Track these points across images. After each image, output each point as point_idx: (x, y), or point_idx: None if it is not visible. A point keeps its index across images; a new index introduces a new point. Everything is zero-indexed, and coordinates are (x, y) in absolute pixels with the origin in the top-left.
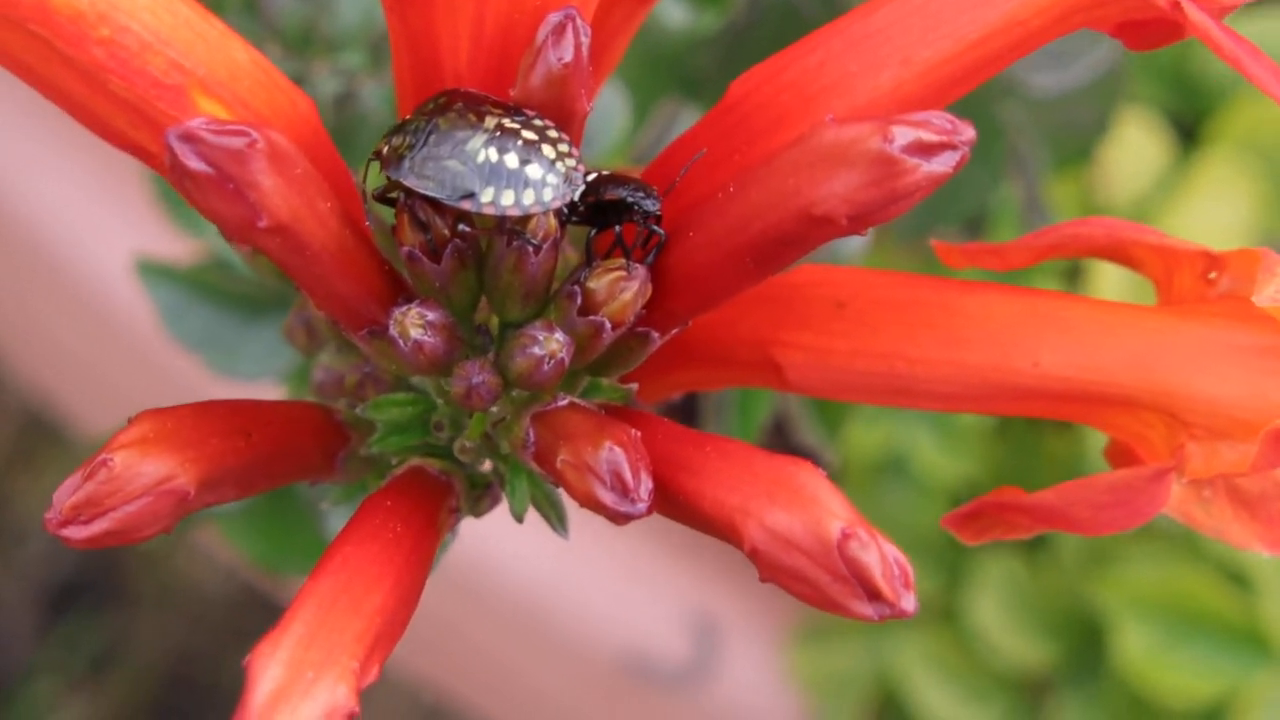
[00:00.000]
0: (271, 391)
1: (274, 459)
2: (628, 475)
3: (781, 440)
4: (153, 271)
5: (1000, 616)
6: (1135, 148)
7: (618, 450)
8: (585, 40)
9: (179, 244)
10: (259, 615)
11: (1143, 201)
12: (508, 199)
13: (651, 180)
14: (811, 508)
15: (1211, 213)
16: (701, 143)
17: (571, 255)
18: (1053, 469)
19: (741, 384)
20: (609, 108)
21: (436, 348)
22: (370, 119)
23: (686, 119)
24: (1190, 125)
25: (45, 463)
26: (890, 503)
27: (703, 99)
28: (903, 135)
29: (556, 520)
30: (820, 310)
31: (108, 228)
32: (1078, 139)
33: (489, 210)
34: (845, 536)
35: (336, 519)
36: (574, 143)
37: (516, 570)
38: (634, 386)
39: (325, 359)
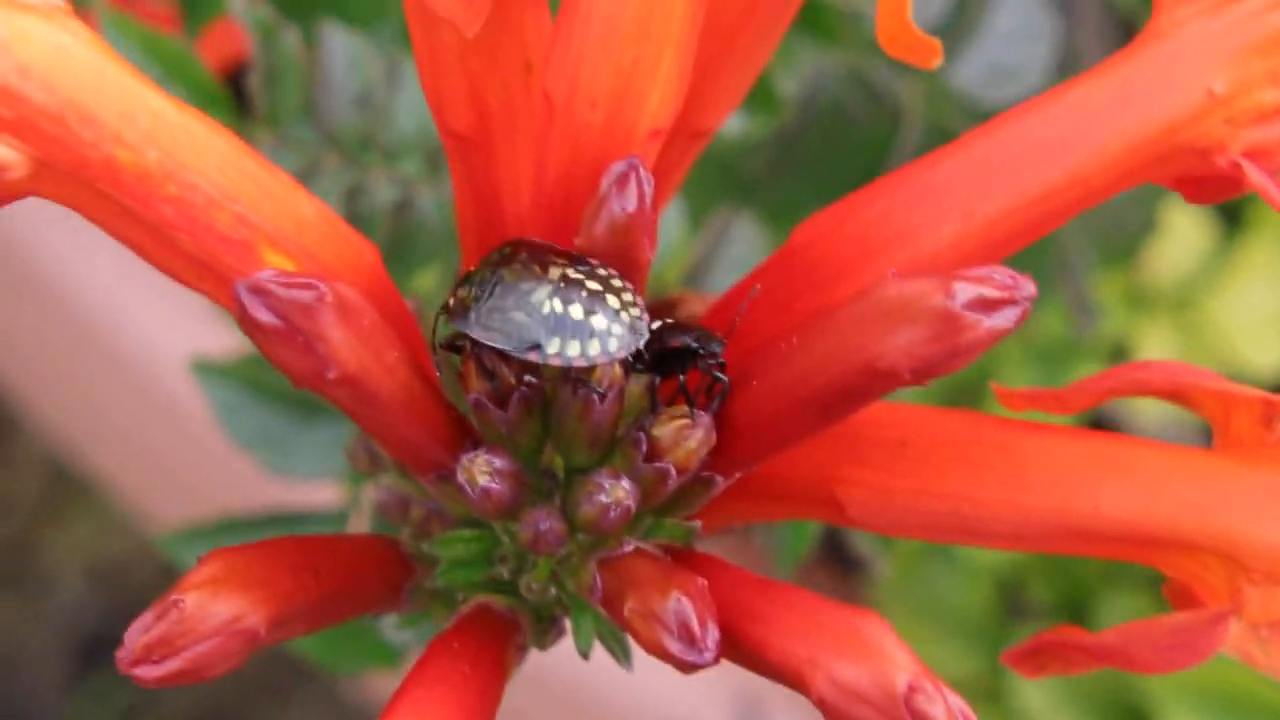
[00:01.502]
0: (326, 490)
1: (342, 594)
2: (695, 626)
3: (833, 549)
4: (208, 371)
5: (1046, 699)
6: (1179, 234)
7: (685, 600)
8: (648, 190)
9: (235, 335)
10: (289, 672)
11: (1186, 286)
12: (573, 350)
13: (713, 322)
14: (878, 660)
15: (1254, 296)
16: (764, 287)
17: (634, 389)
18: None
19: (802, 517)
20: (662, 218)
21: (503, 494)
22: (426, 226)
23: (740, 228)
24: (1233, 208)
25: (74, 513)
26: (935, 584)
27: (754, 203)
28: (965, 291)
29: (621, 653)
30: (883, 449)
31: (160, 310)
32: (1125, 239)
33: (555, 361)
34: (912, 690)
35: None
36: (638, 290)
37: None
38: (697, 525)
39: (388, 480)
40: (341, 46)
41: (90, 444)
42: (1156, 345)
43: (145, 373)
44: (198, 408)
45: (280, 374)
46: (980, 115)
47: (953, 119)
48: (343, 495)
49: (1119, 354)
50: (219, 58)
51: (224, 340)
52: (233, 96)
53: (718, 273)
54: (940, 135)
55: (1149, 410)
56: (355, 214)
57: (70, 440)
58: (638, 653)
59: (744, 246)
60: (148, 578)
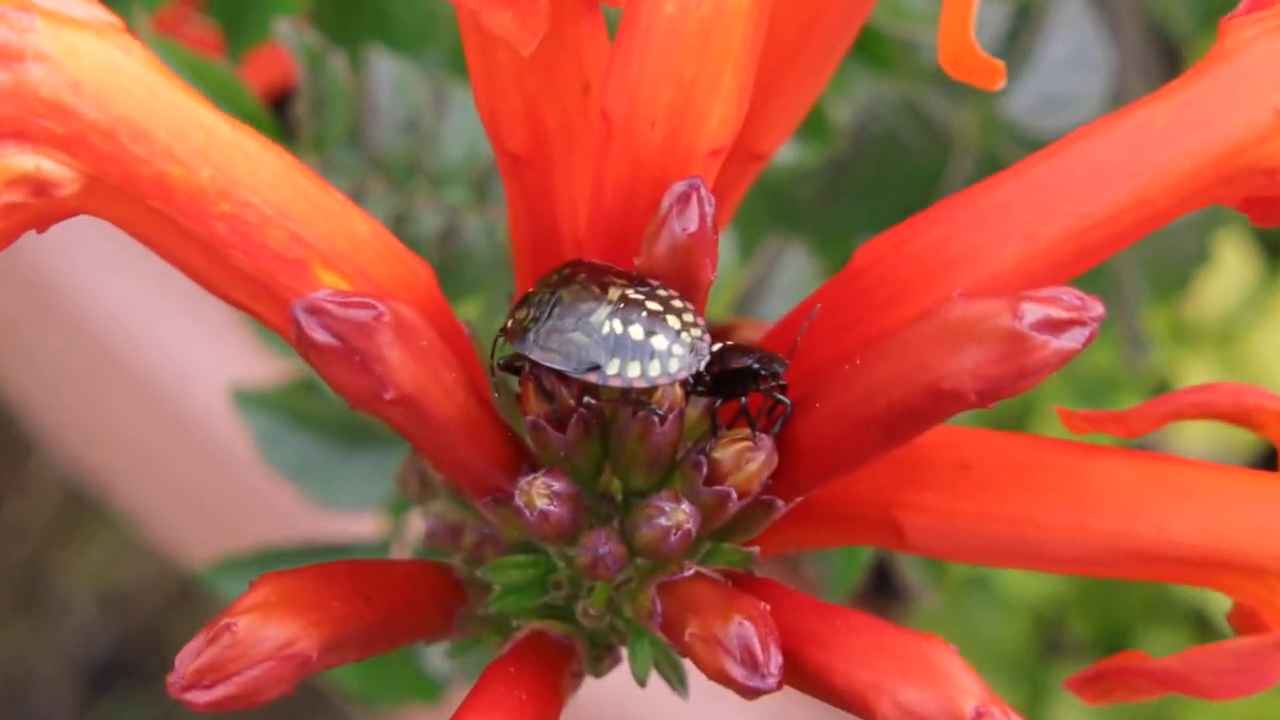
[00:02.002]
0: (367, 521)
1: (394, 620)
2: (758, 650)
3: (881, 580)
4: (249, 400)
5: None
6: (1226, 266)
7: (747, 624)
8: (710, 210)
9: (269, 362)
10: (305, 696)
11: (1230, 320)
12: (634, 371)
13: (773, 345)
14: (945, 685)
15: None
16: (824, 309)
17: (694, 411)
18: (1137, 587)
19: (860, 543)
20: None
21: (562, 517)
22: (473, 255)
23: (791, 257)
24: (1278, 241)
25: (87, 538)
26: (973, 617)
27: (805, 231)
28: (1033, 312)
29: (677, 681)
30: (945, 472)
31: (189, 334)
32: (1179, 269)
33: (615, 383)
34: (979, 715)
35: (437, 653)
36: (699, 311)
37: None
38: (756, 550)
39: (438, 507)
40: (388, 72)
41: (114, 471)
42: (1199, 379)
43: (175, 400)
44: (229, 436)
45: (330, 398)
46: (1033, 144)
47: (1005, 148)
48: (385, 526)
49: (1161, 387)
50: (263, 84)
51: (255, 365)
52: (277, 123)
53: (769, 301)
54: (992, 164)
55: (1194, 438)
56: (401, 240)
57: (92, 466)
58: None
59: (795, 275)
60: (160, 605)
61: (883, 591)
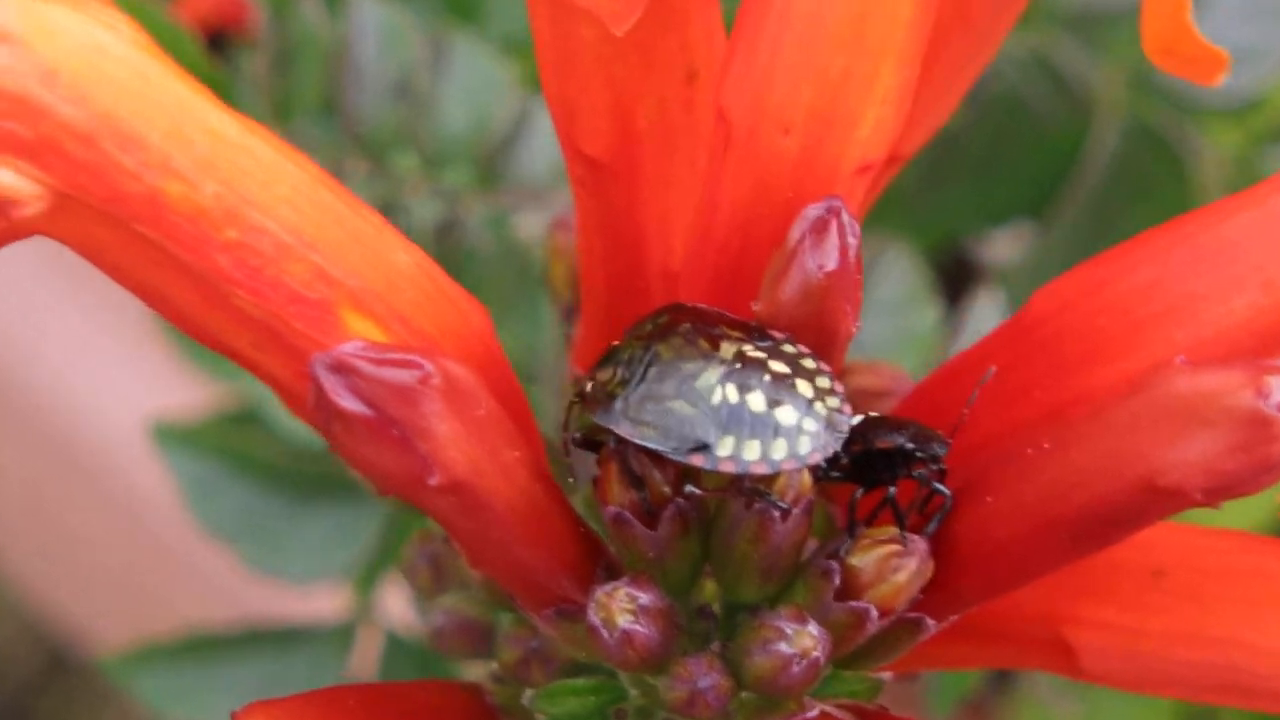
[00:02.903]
0: (331, 597)
1: None
2: None
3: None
4: (171, 436)
5: None
6: None
7: None
8: (854, 242)
9: (198, 386)
10: None
11: None
12: (752, 453)
13: (920, 412)
14: None
15: None
16: (994, 368)
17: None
18: None
19: (1015, 665)
20: None
21: (650, 640)
22: (478, 253)
23: (890, 263)
24: None
25: (72, 687)
26: (1105, 712)
27: (901, 221)
28: None
29: None
30: (1131, 579)
31: (99, 356)
32: None
33: (727, 468)
34: None
35: None
36: (836, 374)
37: None
38: (886, 677)
39: (453, 601)
40: (373, 18)
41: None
42: None
43: (72, 434)
44: (146, 483)
45: (278, 435)
46: (1199, 111)
47: (1163, 115)
48: (348, 603)
49: None
50: (192, 19)
51: (180, 390)
52: (225, 79)
53: (867, 319)
54: (1145, 135)
55: None
56: None
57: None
58: None
59: (897, 285)
60: (32, 675)
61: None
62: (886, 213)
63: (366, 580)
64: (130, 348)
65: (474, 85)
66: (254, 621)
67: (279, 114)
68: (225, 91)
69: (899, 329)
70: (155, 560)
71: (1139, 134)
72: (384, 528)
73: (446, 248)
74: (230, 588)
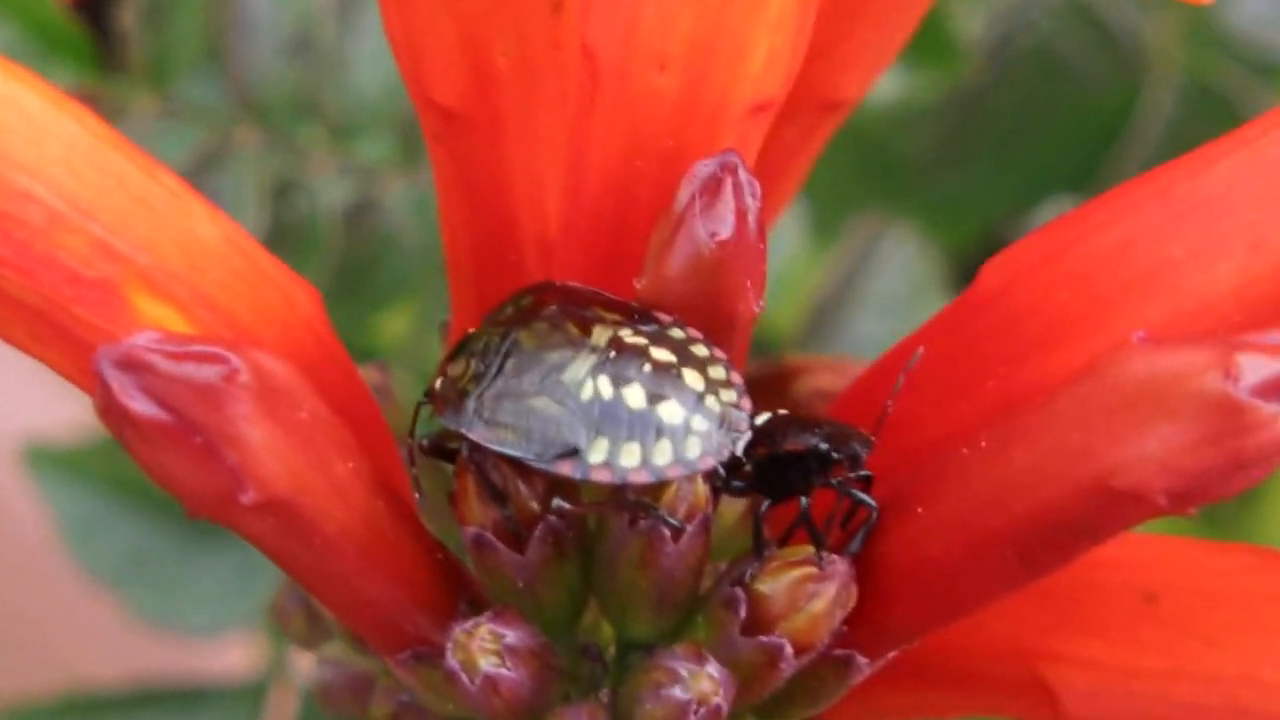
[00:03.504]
0: (239, 650)
1: None
2: None
3: None
4: (47, 460)
5: None
6: None
7: None
8: (753, 202)
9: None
10: None
11: None
12: (631, 458)
13: (854, 410)
14: None
15: None
16: (937, 354)
17: (728, 518)
18: None
19: (986, 713)
20: (773, 230)
21: (519, 685)
22: (399, 239)
23: (893, 246)
24: None
25: None
26: None
27: (914, 201)
28: (1254, 368)
29: None
30: (1119, 606)
31: None
32: None
33: (602, 476)
34: None
35: None
36: (735, 364)
37: None
38: None
39: (336, 650)
40: None
41: None
42: None
43: None
44: (17, 512)
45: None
46: (1271, 68)
47: (1226, 74)
48: (262, 657)
49: None
50: None
51: (59, 403)
52: (90, 37)
53: (858, 316)
54: (1207, 98)
55: None
56: (287, 224)
57: None
58: None
59: (898, 276)
60: None
61: None
62: (894, 191)
63: (279, 631)
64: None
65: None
66: (150, 679)
67: (153, 75)
68: (85, 48)
69: (899, 328)
70: (39, 607)
71: (1198, 95)
72: None
73: (360, 234)
74: (125, 639)
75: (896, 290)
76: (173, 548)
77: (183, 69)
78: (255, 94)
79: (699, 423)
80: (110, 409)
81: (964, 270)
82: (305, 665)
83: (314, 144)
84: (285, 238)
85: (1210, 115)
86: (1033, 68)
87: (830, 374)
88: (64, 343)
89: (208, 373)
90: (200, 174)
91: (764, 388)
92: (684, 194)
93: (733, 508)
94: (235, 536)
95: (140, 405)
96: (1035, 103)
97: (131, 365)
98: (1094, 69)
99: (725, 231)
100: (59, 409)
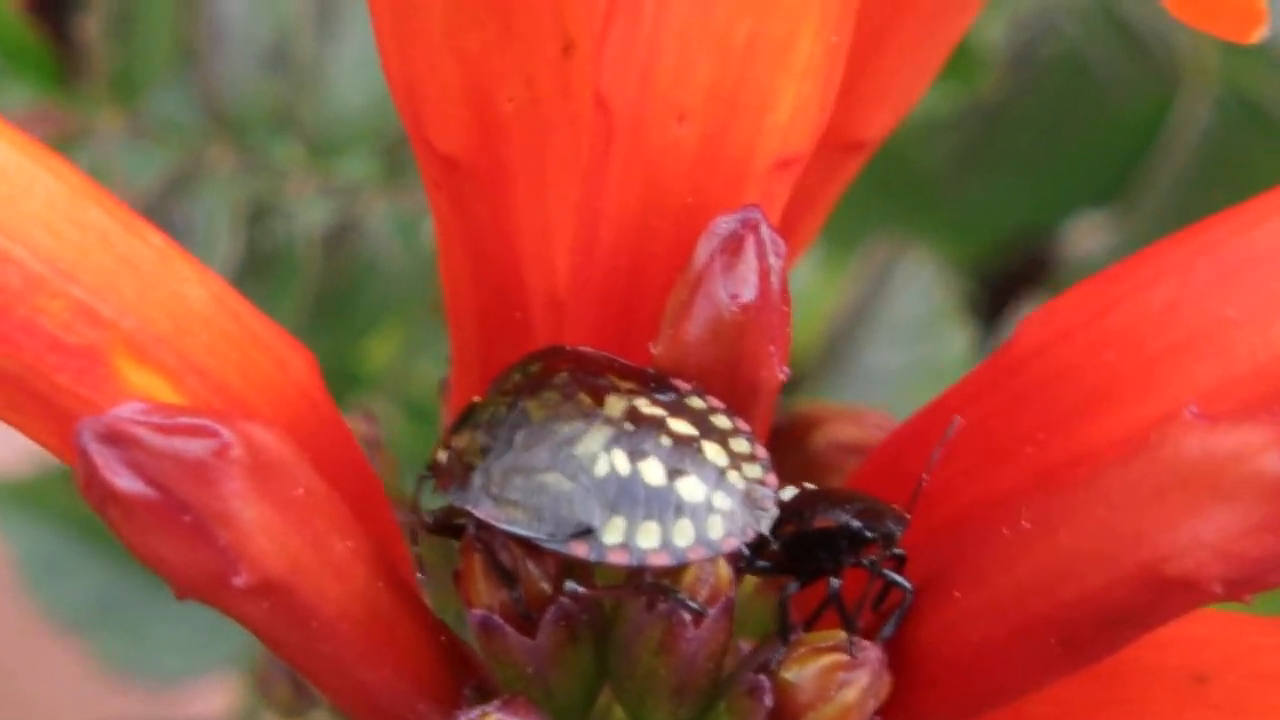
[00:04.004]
0: (215, 695)
1: None
2: None
3: None
4: (8, 496)
5: None
6: None
7: None
8: (777, 262)
9: None
10: None
11: None
12: (650, 539)
13: (880, 480)
14: None
15: None
16: (971, 417)
17: (751, 601)
18: None
19: None
20: None
21: None
22: (382, 263)
23: (910, 271)
24: None
25: None
26: None
27: (935, 222)
28: None
29: None
30: (1167, 688)
31: None
32: None
33: (619, 559)
34: None
35: None
36: (758, 435)
37: None
38: None
39: (319, 718)
40: None
41: None
42: None
43: None
44: None
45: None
46: None
47: (1264, 83)
48: (236, 704)
49: None
50: None
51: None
52: (50, 47)
53: (873, 346)
54: (1244, 108)
55: None
56: (263, 250)
57: None
58: None
59: (916, 302)
60: None
61: None
62: (912, 209)
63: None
64: None
65: (372, 51)
66: None
67: (119, 89)
68: (46, 60)
69: (918, 360)
70: (4, 655)
71: (1236, 107)
72: None
73: (340, 260)
74: (92, 687)
75: (913, 319)
76: (142, 590)
77: (151, 82)
78: (229, 109)
79: (722, 500)
80: (93, 485)
81: (985, 291)
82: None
83: (292, 163)
84: (262, 265)
85: (1248, 127)
86: (1058, 76)
87: (850, 425)
88: (45, 413)
89: (197, 447)
90: (169, 198)
91: (779, 441)
92: (703, 252)
93: (748, 577)
94: None
95: (126, 482)
96: (1060, 113)
97: (116, 439)
98: (1123, 77)
99: (748, 294)
100: (17, 439)
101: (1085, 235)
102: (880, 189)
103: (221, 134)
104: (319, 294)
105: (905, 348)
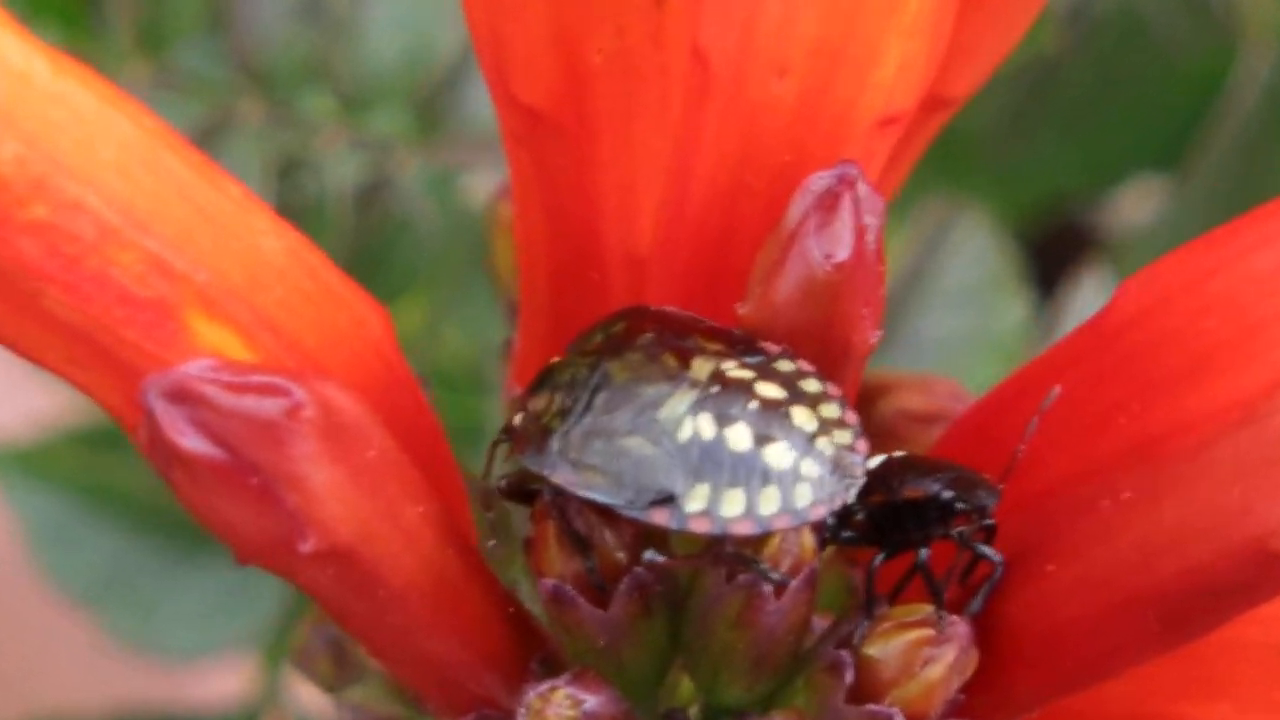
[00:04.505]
0: (230, 673)
1: None
2: None
3: None
4: (13, 464)
5: None
6: None
7: None
8: (874, 222)
9: (44, 391)
10: None
11: None
12: (734, 507)
13: (966, 448)
14: None
15: None
16: (1064, 386)
17: (827, 570)
18: None
19: None
20: None
21: None
22: (415, 223)
23: (965, 234)
24: None
25: None
26: None
27: (984, 181)
28: None
29: None
30: (1253, 665)
31: None
32: None
33: (700, 527)
34: None
35: None
36: (849, 401)
37: None
38: None
39: (363, 694)
40: None
41: None
42: None
43: None
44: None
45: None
46: None
47: None
48: (252, 683)
49: None
50: None
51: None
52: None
53: (928, 313)
54: None
55: None
56: (292, 205)
57: None
58: None
59: (971, 269)
60: None
61: None
62: (959, 170)
63: (274, 654)
64: None
65: (409, 2)
66: (129, 707)
67: (147, 40)
68: (74, 9)
69: (973, 328)
70: (3, 627)
71: None
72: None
73: (372, 216)
74: (100, 663)
75: (968, 284)
76: (153, 562)
77: (181, 33)
78: (259, 61)
79: (810, 467)
80: (157, 445)
81: (1035, 257)
82: (303, 694)
83: (323, 117)
84: (291, 221)
85: None
86: (1114, 32)
87: (917, 393)
88: (107, 368)
89: (269, 407)
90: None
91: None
92: (796, 210)
93: (837, 567)
94: (223, 549)
95: (192, 442)
96: (1116, 71)
97: (184, 397)
98: (1180, 34)
99: (842, 253)
100: (20, 401)
101: (1136, 201)
102: (928, 150)
103: (251, 86)
104: (349, 253)
105: (960, 315)
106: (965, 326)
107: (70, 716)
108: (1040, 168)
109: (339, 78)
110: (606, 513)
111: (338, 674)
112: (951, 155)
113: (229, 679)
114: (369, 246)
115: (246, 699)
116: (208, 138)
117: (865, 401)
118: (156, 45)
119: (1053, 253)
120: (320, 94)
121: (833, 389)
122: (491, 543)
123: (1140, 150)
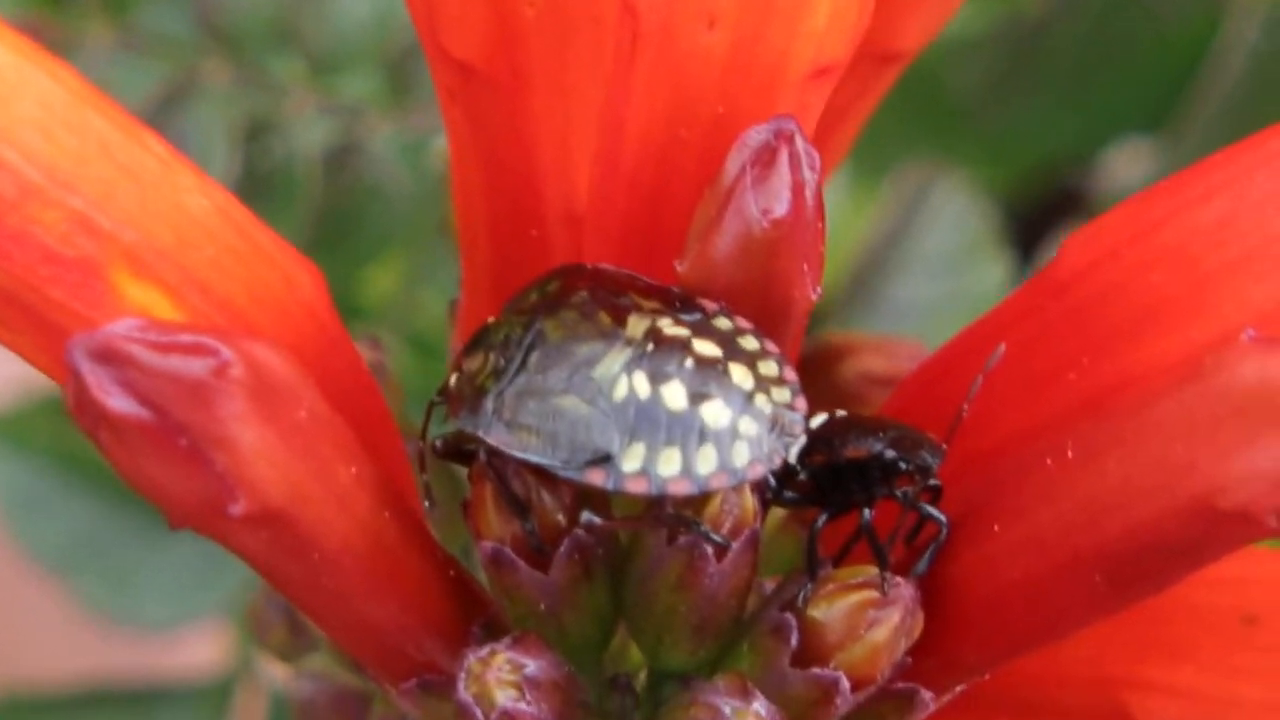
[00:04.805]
0: (206, 643)
1: None
2: None
3: None
4: None
5: None
6: None
7: None
8: (812, 176)
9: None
10: None
11: None
12: (670, 466)
13: (915, 407)
14: None
15: None
16: (1010, 342)
17: (777, 534)
18: None
19: None
20: None
21: None
22: (385, 188)
23: (944, 198)
24: None
25: None
26: None
27: (968, 145)
28: None
29: None
30: (1214, 630)
31: None
32: None
33: (637, 487)
34: None
35: None
36: (788, 359)
37: None
38: None
39: (320, 663)
40: None
41: None
42: None
43: None
44: None
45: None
46: None
47: None
48: (227, 653)
49: None
50: None
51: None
52: None
53: (905, 278)
54: None
55: None
56: (260, 170)
57: None
58: None
59: (950, 233)
60: None
61: None
62: (947, 135)
63: (248, 624)
64: None
65: None
66: (102, 677)
67: (110, 3)
68: None
69: (951, 292)
70: None
71: None
72: None
73: (342, 182)
74: (74, 633)
75: (948, 249)
76: (128, 531)
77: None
78: (225, 22)
79: (747, 425)
80: (84, 405)
81: (1021, 223)
82: (276, 665)
83: (291, 80)
84: (258, 186)
85: None
86: None
87: (878, 355)
88: (37, 329)
89: (196, 366)
90: (163, 114)
91: (805, 371)
92: (733, 165)
93: (774, 513)
94: None
95: (118, 402)
96: (1103, 33)
97: (110, 357)
98: None
99: (780, 208)
100: None
101: (1124, 165)
102: (910, 110)
103: (217, 48)
104: (319, 218)
105: (938, 280)
106: (944, 291)
107: (44, 687)
108: (1029, 131)
109: (307, 40)
110: (544, 474)
111: (292, 642)
112: (939, 120)
113: (204, 649)
114: (339, 212)
115: (222, 669)
116: (173, 101)
117: (827, 364)
118: (120, 7)
119: (1038, 217)
120: (288, 56)
121: (771, 346)
122: (427, 504)
123: (1129, 113)
